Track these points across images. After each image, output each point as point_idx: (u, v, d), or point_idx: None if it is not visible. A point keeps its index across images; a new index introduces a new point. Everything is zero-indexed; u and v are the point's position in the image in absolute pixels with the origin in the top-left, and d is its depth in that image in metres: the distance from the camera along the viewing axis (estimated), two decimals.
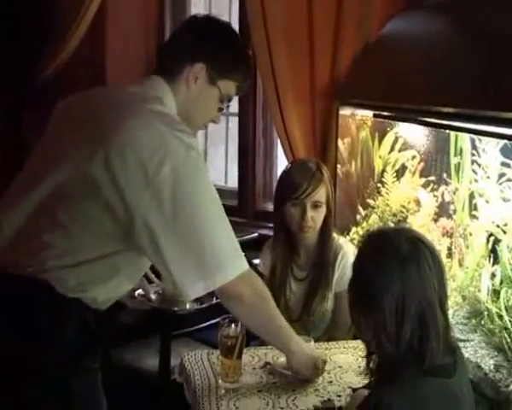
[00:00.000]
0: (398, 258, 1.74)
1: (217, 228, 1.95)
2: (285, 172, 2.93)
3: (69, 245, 1.93)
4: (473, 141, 2.29)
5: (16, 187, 2.07)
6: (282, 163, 3.88)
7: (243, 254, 2.02)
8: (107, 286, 2.01)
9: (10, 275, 1.92)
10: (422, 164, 2.66)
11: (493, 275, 2.19)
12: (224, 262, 1.95)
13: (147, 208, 1.87)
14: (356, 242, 3.00)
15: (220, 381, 2.34)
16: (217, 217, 1.97)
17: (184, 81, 2.10)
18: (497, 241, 2.17)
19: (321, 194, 2.80)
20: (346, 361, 2.54)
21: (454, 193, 2.43)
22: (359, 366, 2.44)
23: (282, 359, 2.45)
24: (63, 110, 2.15)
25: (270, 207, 3.97)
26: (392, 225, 2.86)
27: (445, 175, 2.49)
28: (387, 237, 1.82)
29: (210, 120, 2.23)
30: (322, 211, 2.82)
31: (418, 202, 2.70)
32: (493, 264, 2.19)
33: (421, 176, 2.67)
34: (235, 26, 4.10)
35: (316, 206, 2.80)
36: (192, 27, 2.19)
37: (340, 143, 3.28)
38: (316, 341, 2.59)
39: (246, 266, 2.02)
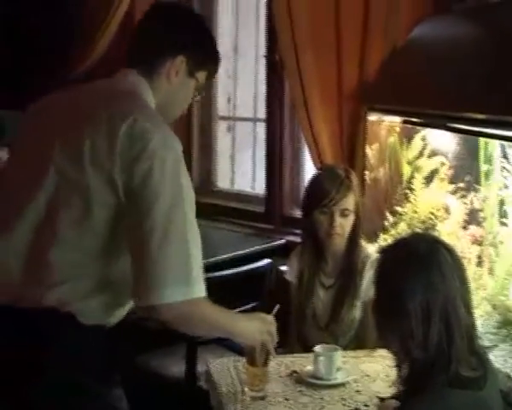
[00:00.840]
0: (419, 262, 1.75)
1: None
2: (313, 179, 2.91)
3: (72, 264, 1.88)
4: (503, 147, 2.26)
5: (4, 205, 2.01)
6: (309, 169, 3.86)
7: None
8: (122, 309, 2.00)
9: (24, 309, 1.86)
10: (451, 170, 2.63)
11: None
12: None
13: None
14: None
15: (246, 389, 2.32)
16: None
17: (165, 76, 2.05)
18: None
19: (349, 202, 2.77)
20: (374, 370, 2.51)
21: (483, 200, 2.40)
22: (387, 375, 2.41)
23: (309, 367, 2.44)
24: (46, 108, 2.08)
25: (297, 213, 3.94)
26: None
27: (473, 181, 2.47)
28: (405, 243, 1.84)
29: (185, 109, 2.19)
30: (351, 218, 2.79)
31: (447, 209, 2.67)
32: None
33: (450, 182, 2.64)
34: (263, 30, 4.13)
35: (344, 214, 2.77)
36: (167, 19, 2.12)
37: (367, 148, 3.25)
38: (344, 349, 2.59)
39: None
